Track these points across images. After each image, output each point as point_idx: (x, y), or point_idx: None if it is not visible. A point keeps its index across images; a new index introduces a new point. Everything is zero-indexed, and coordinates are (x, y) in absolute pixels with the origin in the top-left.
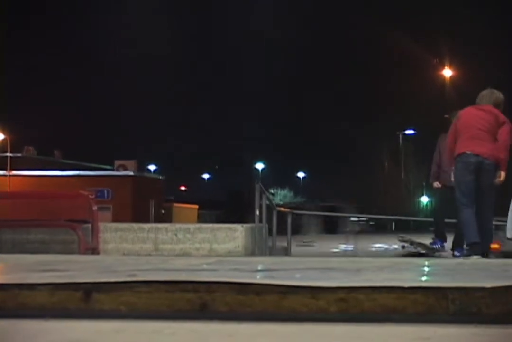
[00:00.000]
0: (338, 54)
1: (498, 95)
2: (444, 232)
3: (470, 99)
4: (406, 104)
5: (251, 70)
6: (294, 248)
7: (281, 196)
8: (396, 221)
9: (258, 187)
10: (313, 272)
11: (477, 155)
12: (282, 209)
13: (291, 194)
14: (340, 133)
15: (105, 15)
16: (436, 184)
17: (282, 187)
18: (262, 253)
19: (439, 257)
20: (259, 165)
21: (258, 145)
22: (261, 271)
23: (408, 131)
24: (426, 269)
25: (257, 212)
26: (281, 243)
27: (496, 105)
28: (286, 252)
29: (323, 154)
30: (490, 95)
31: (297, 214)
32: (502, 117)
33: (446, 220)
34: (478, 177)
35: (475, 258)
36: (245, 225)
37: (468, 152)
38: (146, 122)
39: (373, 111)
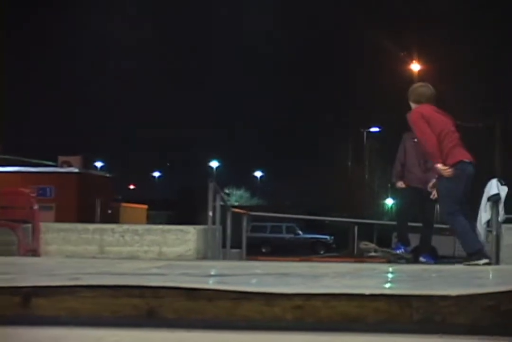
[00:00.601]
0: (300, 44)
1: (433, 90)
2: (407, 236)
3: (439, 96)
4: (371, 100)
5: (204, 65)
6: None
7: (237, 196)
8: (359, 225)
9: (212, 186)
10: (269, 277)
11: (471, 163)
12: (237, 210)
13: (248, 194)
14: (301, 129)
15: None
16: (400, 184)
17: (238, 187)
18: (215, 257)
19: (403, 262)
20: (214, 163)
21: (213, 142)
22: (214, 276)
23: (373, 129)
24: (389, 275)
25: (210, 213)
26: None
27: (434, 100)
28: (240, 256)
29: (282, 152)
30: (430, 92)
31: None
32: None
33: (410, 224)
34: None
35: (484, 262)
36: (197, 227)
37: (466, 160)
38: (92, 115)
39: (337, 107)
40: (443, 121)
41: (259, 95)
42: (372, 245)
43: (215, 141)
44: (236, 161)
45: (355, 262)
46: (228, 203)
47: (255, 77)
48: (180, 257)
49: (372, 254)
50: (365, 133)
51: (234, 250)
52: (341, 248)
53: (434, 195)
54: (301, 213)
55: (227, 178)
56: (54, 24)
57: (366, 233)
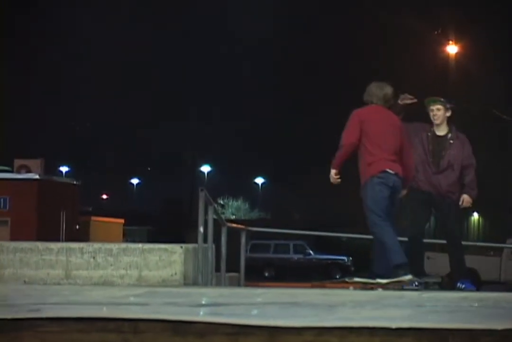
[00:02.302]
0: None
1: (387, 90)
2: (422, 263)
3: (479, 84)
4: (397, 88)
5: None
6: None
7: (233, 208)
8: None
9: (202, 195)
10: (273, 307)
11: (396, 174)
12: (233, 224)
13: (247, 205)
14: (311, 128)
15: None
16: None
17: (235, 197)
18: (206, 283)
19: (437, 289)
20: (205, 168)
21: (204, 143)
22: (205, 305)
23: None
24: (421, 305)
25: (201, 229)
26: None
27: (386, 101)
28: (238, 281)
29: (288, 155)
30: (383, 93)
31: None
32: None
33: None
34: (392, 196)
35: (408, 278)
36: (185, 246)
37: (391, 171)
38: (58, 113)
39: (354, 102)
40: (382, 128)
41: (260, 88)
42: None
43: (207, 142)
44: (232, 165)
45: (379, 288)
46: (223, 216)
47: (264, 61)
48: (164, 283)
49: (413, 287)
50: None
51: (230, 274)
52: (362, 271)
53: (462, 201)
54: (312, 228)
55: (221, 185)
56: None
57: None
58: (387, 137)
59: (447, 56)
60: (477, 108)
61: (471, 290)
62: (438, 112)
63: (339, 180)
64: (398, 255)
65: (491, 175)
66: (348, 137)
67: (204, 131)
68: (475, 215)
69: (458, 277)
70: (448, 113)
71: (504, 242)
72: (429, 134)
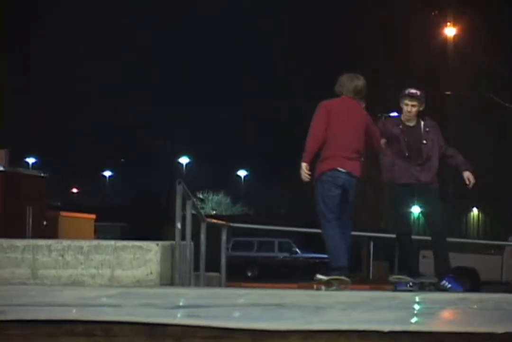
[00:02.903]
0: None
1: (358, 82)
2: (415, 263)
3: (478, 69)
4: (392, 76)
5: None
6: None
7: (214, 203)
8: (376, 240)
9: (180, 188)
10: (256, 309)
11: (348, 173)
12: (214, 220)
13: (229, 200)
14: (298, 114)
15: None
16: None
17: (216, 190)
18: (184, 283)
19: (432, 290)
20: (183, 160)
21: (182, 132)
22: (183, 307)
23: (394, 114)
24: (415, 306)
25: (179, 225)
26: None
27: (356, 93)
28: (218, 281)
29: (274, 144)
30: (353, 85)
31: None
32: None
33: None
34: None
35: (344, 278)
36: (161, 243)
37: (341, 170)
38: (26, 101)
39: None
40: (346, 123)
41: (243, 69)
42: (408, 279)
43: (185, 131)
44: (212, 157)
45: (371, 289)
46: (203, 211)
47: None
48: (138, 283)
49: (407, 288)
50: (383, 119)
51: (210, 274)
52: (352, 270)
53: (467, 179)
54: (300, 224)
55: (201, 178)
56: None
57: (385, 250)
58: (349, 133)
59: (445, 39)
60: (476, 96)
61: (458, 290)
62: (413, 108)
63: (308, 177)
64: (336, 259)
65: (492, 167)
66: (317, 128)
67: (183, 119)
68: (475, 211)
69: (443, 274)
70: (422, 108)
71: (506, 240)
72: (400, 127)
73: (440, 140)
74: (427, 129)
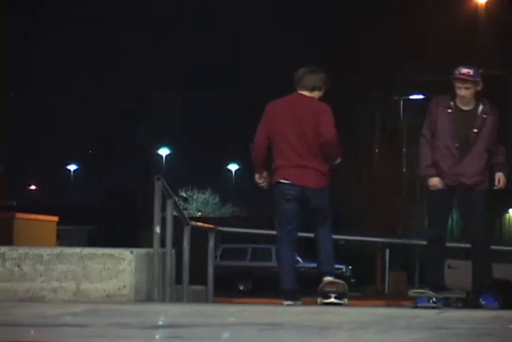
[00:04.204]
0: None
1: (316, 77)
2: (442, 275)
3: None
4: (411, 51)
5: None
6: None
7: (199, 202)
8: (393, 248)
9: (159, 185)
10: (250, 329)
11: (294, 185)
12: (200, 224)
13: (217, 199)
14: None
15: None
16: (435, 181)
17: (202, 188)
18: (164, 298)
19: (460, 306)
20: (164, 151)
21: (161, 119)
22: (163, 327)
23: (414, 96)
24: (439, 326)
25: (157, 229)
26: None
27: (311, 88)
28: (205, 296)
29: None
30: (307, 80)
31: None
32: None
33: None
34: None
35: (288, 304)
36: (136, 251)
37: (285, 182)
38: None
39: (358, 62)
40: (291, 125)
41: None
42: (431, 293)
43: (166, 117)
44: (197, 147)
45: (386, 305)
46: (186, 212)
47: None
48: (109, 298)
49: (429, 304)
50: (401, 102)
51: (195, 287)
52: (365, 283)
53: (498, 180)
54: (301, 228)
55: (183, 173)
56: None
57: (404, 260)
58: (295, 139)
59: (475, 6)
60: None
61: (494, 307)
62: (467, 91)
63: (265, 184)
64: (284, 279)
65: None
66: (256, 138)
67: (162, 103)
68: (510, 212)
69: (481, 290)
70: (479, 87)
71: None
72: (449, 110)
73: (494, 131)
74: (484, 116)
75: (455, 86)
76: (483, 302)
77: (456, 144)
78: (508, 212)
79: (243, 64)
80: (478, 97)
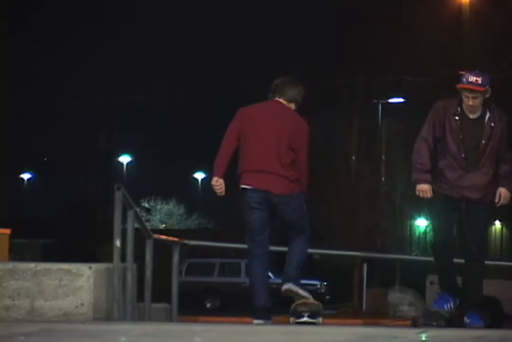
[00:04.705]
0: None
1: (294, 88)
2: (454, 279)
3: (501, 38)
4: (391, 51)
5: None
6: None
7: (162, 213)
8: (371, 262)
9: (119, 195)
10: None
11: (257, 191)
12: (163, 236)
13: (183, 210)
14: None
15: None
16: (426, 189)
17: (166, 198)
18: (125, 316)
19: (442, 325)
20: (125, 159)
21: (123, 123)
22: None
23: (393, 100)
24: None
25: (118, 242)
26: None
27: (290, 100)
28: (170, 313)
29: None
30: (282, 88)
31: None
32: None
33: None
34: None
35: (257, 322)
36: (95, 266)
37: (248, 187)
38: None
39: (334, 63)
40: (265, 131)
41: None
42: (408, 297)
43: (127, 121)
44: (161, 154)
45: (364, 324)
46: (149, 224)
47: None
48: (66, 317)
49: (405, 308)
50: (380, 106)
51: (158, 305)
52: (341, 300)
53: (499, 196)
54: (273, 241)
55: (146, 182)
56: None
57: (383, 275)
58: (267, 144)
59: (459, 3)
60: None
61: (479, 326)
62: (476, 101)
63: (222, 190)
64: (255, 297)
65: None
66: (226, 134)
67: (123, 107)
68: (497, 224)
69: (468, 308)
70: (488, 95)
71: None
72: (457, 118)
73: (503, 139)
74: (492, 124)
75: (462, 94)
76: (468, 320)
77: (463, 155)
78: (494, 224)
79: (210, 68)
80: (485, 103)
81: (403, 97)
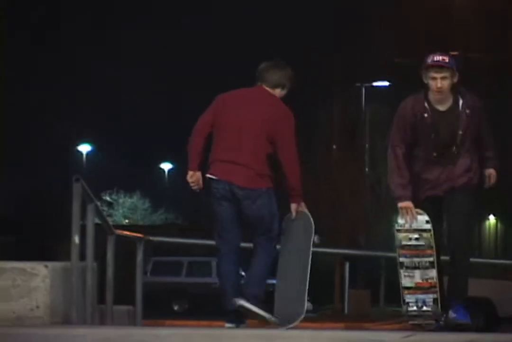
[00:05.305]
0: None
1: (278, 72)
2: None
3: (492, 23)
4: (376, 33)
5: None
6: None
7: (126, 208)
8: (353, 260)
9: (78, 188)
10: None
11: (222, 181)
12: (126, 232)
13: (148, 204)
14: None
15: None
16: (408, 206)
17: (129, 190)
18: (85, 320)
19: (436, 327)
20: (84, 148)
21: (82, 110)
22: None
23: (378, 83)
24: None
25: (76, 239)
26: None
27: (275, 85)
28: (133, 317)
29: None
30: (267, 74)
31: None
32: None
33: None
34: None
35: (228, 326)
36: (52, 264)
37: (213, 177)
38: None
39: (313, 45)
40: (240, 119)
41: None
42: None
43: (87, 107)
44: (123, 143)
45: (346, 328)
46: (111, 219)
47: None
48: (20, 321)
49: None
50: (363, 89)
51: (120, 307)
52: (320, 302)
53: (488, 177)
54: (246, 238)
55: (108, 173)
56: None
57: (367, 274)
58: (239, 133)
59: None
60: (491, 58)
61: (466, 322)
62: (444, 82)
63: (198, 185)
64: (225, 298)
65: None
66: (199, 120)
67: (83, 92)
68: (491, 219)
69: (453, 302)
70: (456, 79)
71: None
72: (426, 115)
73: (482, 123)
74: (467, 111)
75: (429, 77)
76: (454, 315)
77: (436, 154)
78: (488, 219)
79: (178, 50)
80: (455, 90)
81: (388, 81)
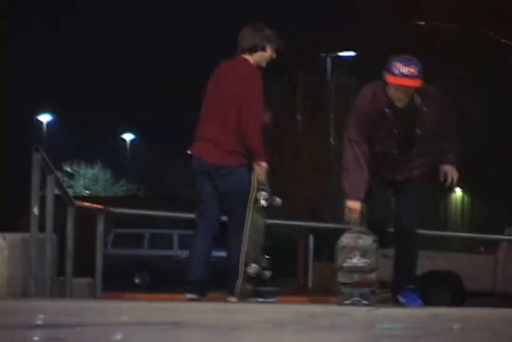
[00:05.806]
0: None
1: (254, 36)
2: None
3: None
4: (344, 2)
5: None
6: None
7: (86, 179)
8: (318, 233)
9: (38, 158)
10: (145, 330)
11: (199, 159)
12: (87, 204)
13: (109, 175)
14: (205, 56)
15: None
16: (355, 208)
17: (90, 161)
18: (44, 292)
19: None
20: (44, 117)
21: (40, 77)
22: (42, 327)
23: (344, 53)
24: (370, 325)
25: (35, 210)
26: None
27: (250, 50)
28: (92, 291)
29: (176, 95)
30: (245, 41)
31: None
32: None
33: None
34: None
35: (190, 297)
36: (10, 236)
37: (193, 154)
38: None
39: (284, 16)
40: (217, 93)
41: None
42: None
43: (45, 74)
44: (85, 112)
45: (309, 301)
46: (71, 190)
47: None
48: None
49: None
50: (329, 60)
51: (80, 280)
52: (284, 276)
53: (444, 175)
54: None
55: (68, 143)
56: None
57: (332, 248)
58: (215, 107)
59: None
60: (461, 28)
61: (414, 305)
62: (409, 92)
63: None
64: (191, 269)
65: (483, 131)
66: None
67: (41, 56)
68: (458, 192)
69: (402, 286)
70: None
71: (501, 233)
72: (387, 110)
73: (441, 116)
74: (425, 109)
75: (392, 85)
76: (403, 300)
77: (396, 151)
78: (454, 192)
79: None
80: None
81: (354, 51)
